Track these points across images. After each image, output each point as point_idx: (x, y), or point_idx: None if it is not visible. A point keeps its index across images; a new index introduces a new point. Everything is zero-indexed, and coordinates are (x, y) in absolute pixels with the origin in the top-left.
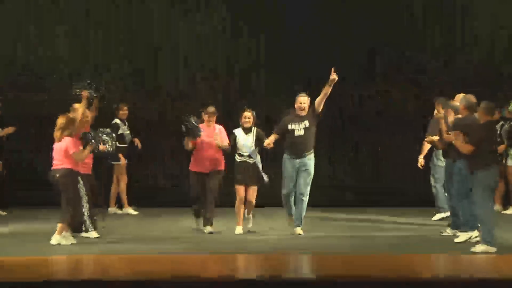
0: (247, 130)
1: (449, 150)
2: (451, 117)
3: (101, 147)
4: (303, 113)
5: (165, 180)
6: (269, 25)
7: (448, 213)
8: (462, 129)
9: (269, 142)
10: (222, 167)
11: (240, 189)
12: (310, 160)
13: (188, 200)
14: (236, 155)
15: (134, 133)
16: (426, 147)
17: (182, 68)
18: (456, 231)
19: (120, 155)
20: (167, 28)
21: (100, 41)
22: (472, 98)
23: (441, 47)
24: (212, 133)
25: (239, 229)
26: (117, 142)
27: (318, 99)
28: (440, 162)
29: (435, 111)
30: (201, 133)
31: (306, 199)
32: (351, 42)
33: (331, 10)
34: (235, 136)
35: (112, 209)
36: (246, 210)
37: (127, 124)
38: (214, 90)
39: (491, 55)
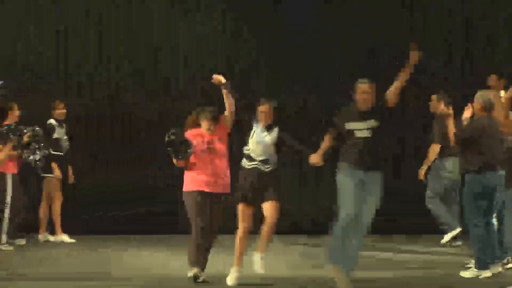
0: (266, 128)
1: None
2: (468, 113)
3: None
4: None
5: (165, 180)
6: (269, 25)
7: (458, 229)
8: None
9: (317, 159)
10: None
11: (246, 212)
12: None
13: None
14: (244, 159)
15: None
16: (433, 154)
17: (182, 68)
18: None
19: (54, 166)
20: (167, 28)
21: (100, 41)
22: (491, 94)
23: (441, 47)
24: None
25: (234, 276)
26: (48, 149)
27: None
28: (448, 174)
29: (439, 109)
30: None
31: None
32: (351, 42)
33: (331, 10)
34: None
35: (42, 236)
36: (263, 239)
37: (65, 126)
38: (214, 90)
39: (492, 55)
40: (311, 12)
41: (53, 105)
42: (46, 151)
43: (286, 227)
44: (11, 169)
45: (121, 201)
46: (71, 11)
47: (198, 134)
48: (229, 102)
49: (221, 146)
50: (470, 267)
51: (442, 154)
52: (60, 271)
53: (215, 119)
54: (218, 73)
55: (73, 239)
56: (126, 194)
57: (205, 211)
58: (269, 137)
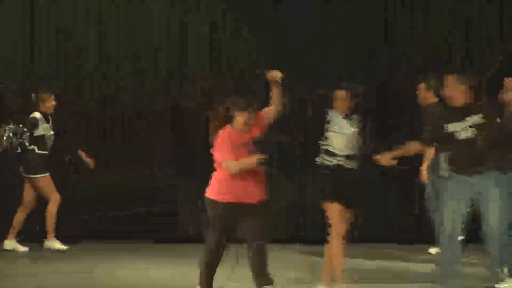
0: (347, 117)
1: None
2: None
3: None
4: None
5: (165, 180)
6: (269, 25)
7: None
8: None
9: (389, 160)
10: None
11: (341, 212)
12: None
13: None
14: (323, 155)
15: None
16: (430, 152)
17: (182, 68)
18: None
19: (38, 165)
20: (167, 28)
21: (100, 41)
22: None
23: (441, 47)
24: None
25: None
26: (31, 146)
27: None
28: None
29: (429, 101)
30: None
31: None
32: (351, 42)
33: (331, 10)
34: (328, 119)
35: (9, 243)
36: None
37: (51, 121)
38: (214, 90)
39: (492, 55)
40: (311, 12)
41: (41, 97)
42: (26, 134)
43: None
44: None
45: (121, 201)
46: (71, 11)
47: (235, 134)
48: (279, 101)
49: None
50: (504, 279)
51: (436, 150)
52: None
53: (255, 111)
54: (218, 73)
55: (72, 242)
56: (126, 194)
57: (230, 227)
58: (351, 128)
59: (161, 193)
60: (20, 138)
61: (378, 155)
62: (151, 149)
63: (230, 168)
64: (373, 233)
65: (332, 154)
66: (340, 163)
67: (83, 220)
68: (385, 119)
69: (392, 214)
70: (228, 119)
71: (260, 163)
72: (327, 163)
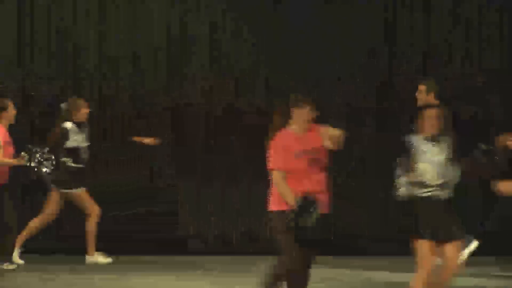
0: (433, 139)
1: None
2: None
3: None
4: None
5: (165, 180)
6: (269, 25)
7: (475, 242)
8: None
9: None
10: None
11: (430, 252)
12: None
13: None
14: (413, 187)
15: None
16: None
17: (182, 68)
18: None
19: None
20: (167, 28)
21: (100, 41)
22: None
23: (441, 47)
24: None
25: None
26: (69, 162)
27: None
28: None
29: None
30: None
31: None
32: (351, 42)
33: (331, 10)
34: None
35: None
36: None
37: (87, 131)
38: (214, 90)
39: (492, 55)
40: (311, 12)
41: (75, 104)
42: (53, 161)
43: None
44: None
45: (121, 201)
46: (71, 11)
47: (293, 138)
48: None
49: (323, 154)
50: None
51: None
52: None
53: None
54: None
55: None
56: (126, 194)
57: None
58: (442, 152)
59: (161, 193)
60: (42, 158)
61: (498, 182)
62: (151, 149)
63: (274, 180)
64: None
65: (424, 185)
66: (433, 193)
67: (82, 220)
68: (385, 119)
69: None
70: (286, 120)
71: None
72: (419, 195)
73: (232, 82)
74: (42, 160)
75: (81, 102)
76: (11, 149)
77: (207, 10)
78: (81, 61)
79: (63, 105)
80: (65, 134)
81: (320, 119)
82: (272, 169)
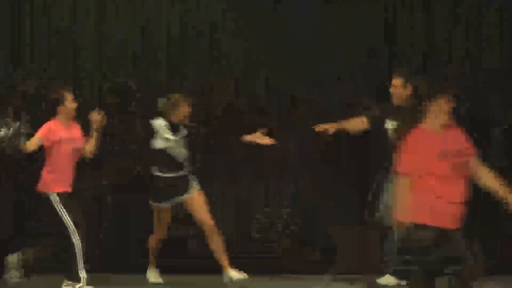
0: None
1: None
2: None
3: None
4: None
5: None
6: (269, 25)
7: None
8: None
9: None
10: None
11: None
12: None
13: None
14: None
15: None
16: None
17: (182, 68)
18: None
19: None
20: (167, 28)
21: (100, 41)
22: None
23: (441, 47)
24: None
25: None
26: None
27: None
28: None
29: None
30: None
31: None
32: (351, 42)
33: (331, 10)
34: None
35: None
36: None
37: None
38: (214, 90)
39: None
40: (311, 12)
41: (175, 100)
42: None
43: None
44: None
45: None
46: (71, 11)
47: (431, 136)
48: None
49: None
50: None
51: None
52: None
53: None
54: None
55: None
56: None
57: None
58: None
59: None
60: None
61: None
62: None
63: (400, 185)
64: None
65: None
66: None
67: None
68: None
69: None
70: (418, 115)
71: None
72: None
73: (232, 82)
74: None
75: (182, 99)
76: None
77: (207, 10)
78: (81, 61)
79: (163, 101)
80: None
81: (320, 119)
82: (401, 173)
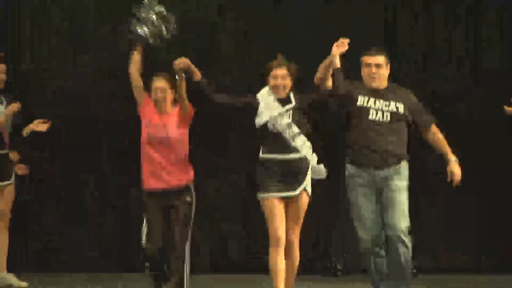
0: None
1: None
2: None
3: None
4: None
5: None
6: (269, 25)
7: None
8: None
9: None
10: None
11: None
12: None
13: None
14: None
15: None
16: None
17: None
18: None
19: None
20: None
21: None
22: None
23: (441, 47)
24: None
25: None
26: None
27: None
28: None
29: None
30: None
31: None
32: (351, 42)
33: (331, 10)
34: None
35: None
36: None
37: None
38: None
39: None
40: (311, 12)
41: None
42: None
43: None
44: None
45: None
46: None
47: None
48: None
49: None
50: None
51: None
52: None
53: None
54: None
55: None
56: None
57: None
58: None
59: None
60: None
61: None
62: None
63: None
64: None
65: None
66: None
67: None
68: None
69: None
70: None
71: None
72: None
73: (231, 83)
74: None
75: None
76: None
77: (207, 10)
78: (80, 62)
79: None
80: None
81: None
82: None
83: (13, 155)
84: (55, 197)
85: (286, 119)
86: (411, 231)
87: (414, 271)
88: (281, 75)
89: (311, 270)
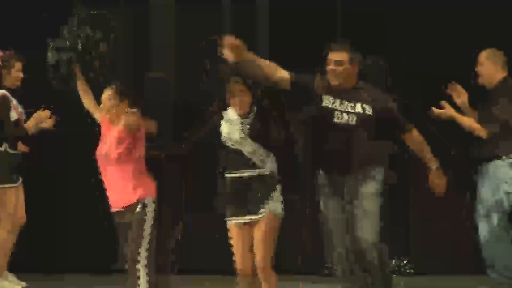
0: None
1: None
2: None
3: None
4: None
5: None
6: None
7: None
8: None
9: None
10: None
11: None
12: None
13: None
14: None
15: None
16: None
17: (182, 66)
18: None
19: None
20: (166, 27)
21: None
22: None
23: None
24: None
25: None
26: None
27: None
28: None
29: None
30: None
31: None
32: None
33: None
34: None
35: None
36: None
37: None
38: (213, 90)
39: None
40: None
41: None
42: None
43: None
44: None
45: None
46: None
47: None
48: None
49: None
50: None
51: None
52: None
53: None
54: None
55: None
56: None
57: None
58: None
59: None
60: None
61: None
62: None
63: None
64: None
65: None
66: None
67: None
68: None
69: None
70: None
71: None
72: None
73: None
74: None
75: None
76: None
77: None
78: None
79: None
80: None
81: None
82: None
83: (22, 147)
84: (55, 197)
85: (241, 134)
86: (384, 237)
87: (412, 271)
88: (237, 90)
89: (311, 270)
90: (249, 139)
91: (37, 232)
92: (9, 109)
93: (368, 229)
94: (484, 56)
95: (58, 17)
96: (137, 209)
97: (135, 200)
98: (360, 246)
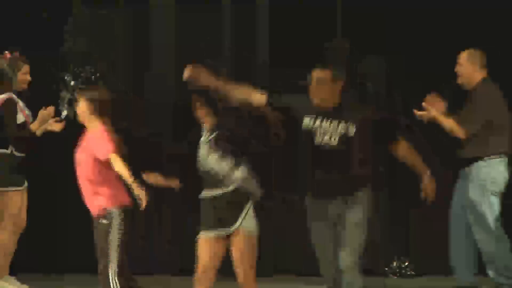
0: None
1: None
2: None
3: None
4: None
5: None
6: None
7: None
8: None
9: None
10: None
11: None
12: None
13: None
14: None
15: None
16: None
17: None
18: None
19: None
20: (166, 27)
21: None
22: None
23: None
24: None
25: None
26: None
27: None
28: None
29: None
30: None
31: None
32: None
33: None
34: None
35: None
36: None
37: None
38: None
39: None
40: None
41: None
42: None
43: None
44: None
45: None
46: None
47: None
48: None
49: None
50: None
51: None
52: None
53: None
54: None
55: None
56: None
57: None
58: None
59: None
60: None
61: None
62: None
63: None
64: None
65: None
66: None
67: None
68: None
69: None
70: None
71: None
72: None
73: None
74: None
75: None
76: None
77: (206, 9)
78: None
79: None
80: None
81: None
82: None
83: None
84: (56, 197)
85: (203, 155)
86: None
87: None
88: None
89: (310, 270)
90: (210, 158)
91: (37, 232)
92: (15, 112)
93: (348, 254)
94: (463, 57)
95: (58, 17)
96: (102, 220)
97: (101, 209)
98: (341, 267)
